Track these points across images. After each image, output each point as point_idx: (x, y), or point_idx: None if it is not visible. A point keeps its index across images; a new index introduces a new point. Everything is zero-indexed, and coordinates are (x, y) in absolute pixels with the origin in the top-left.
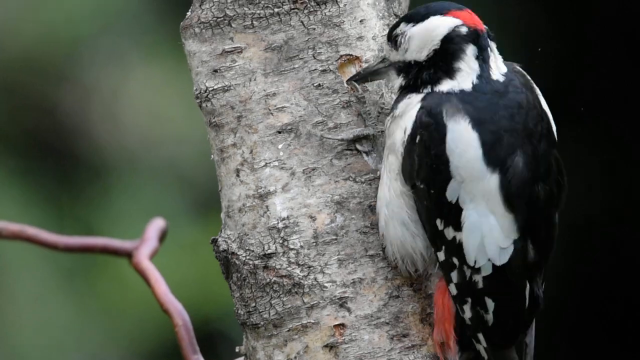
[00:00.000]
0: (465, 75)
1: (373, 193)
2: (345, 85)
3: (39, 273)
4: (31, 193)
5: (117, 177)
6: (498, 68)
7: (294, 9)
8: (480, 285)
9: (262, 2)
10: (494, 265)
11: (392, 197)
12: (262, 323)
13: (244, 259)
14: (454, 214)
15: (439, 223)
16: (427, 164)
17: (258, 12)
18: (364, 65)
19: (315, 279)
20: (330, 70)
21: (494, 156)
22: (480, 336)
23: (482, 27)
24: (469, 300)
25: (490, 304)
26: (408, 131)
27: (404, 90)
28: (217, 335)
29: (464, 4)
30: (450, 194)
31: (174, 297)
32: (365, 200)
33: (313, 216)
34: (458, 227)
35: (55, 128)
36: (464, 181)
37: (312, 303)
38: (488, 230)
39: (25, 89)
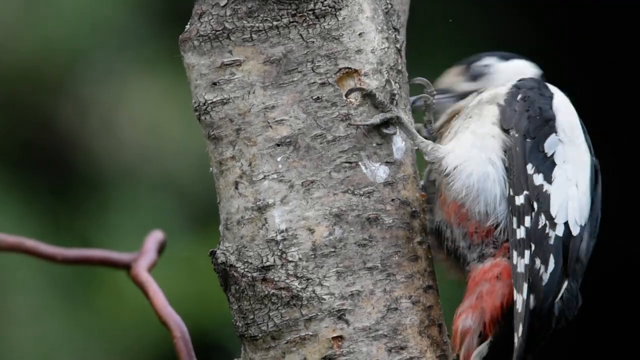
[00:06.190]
0: None
1: (371, 206)
2: (344, 98)
3: (37, 286)
4: (28, 206)
5: (115, 190)
6: None
7: (293, 22)
8: (552, 241)
9: (261, 15)
10: (567, 232)
11: (487, 136)
12: (260, 335)
13: (242, 271)
14: (547, 166)
15: (529, 168)
16: (530, 115)
17: (257, 25)
18: (362, 77)
19: (314, 291)
20: (329, 83)
21: (588, 141)
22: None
23: None
24: (532, 247)
25: (552, 263)
26: (506, 95)
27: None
28: (215, 347)
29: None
30: (549, 147)
31: (172, 309)
32: (364, 213)
33: (311, 229)
34: (549, 179)
35: (53, 141)
36: (564, 142)
37: (310, 315)
38: (572, 196)
39: (23, 103)
